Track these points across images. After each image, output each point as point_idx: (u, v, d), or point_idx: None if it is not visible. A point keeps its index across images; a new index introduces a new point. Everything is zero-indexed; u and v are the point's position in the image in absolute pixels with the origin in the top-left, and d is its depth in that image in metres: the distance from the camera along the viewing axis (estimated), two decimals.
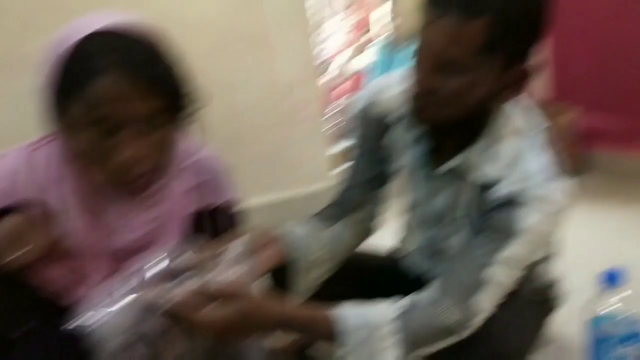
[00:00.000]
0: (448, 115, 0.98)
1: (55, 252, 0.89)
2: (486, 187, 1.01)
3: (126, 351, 0.84)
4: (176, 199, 1.00)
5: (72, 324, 0.79)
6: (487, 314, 0.98)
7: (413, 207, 1.22)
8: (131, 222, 0.95)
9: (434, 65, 0.94)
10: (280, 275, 1.10)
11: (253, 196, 1.16)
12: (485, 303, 0.97)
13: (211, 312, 0.81)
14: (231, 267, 0.87)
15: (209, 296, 0.82)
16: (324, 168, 2.70)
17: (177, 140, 0.93)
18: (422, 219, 1.18)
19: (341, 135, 3.00)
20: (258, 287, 0.96)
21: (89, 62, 0.81)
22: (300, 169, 2.65)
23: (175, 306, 0.80)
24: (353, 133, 1.25)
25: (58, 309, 0.83)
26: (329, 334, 0.89)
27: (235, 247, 0.90)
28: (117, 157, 0.84)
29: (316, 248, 1.14)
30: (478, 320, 0.98)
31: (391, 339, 0.91)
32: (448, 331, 0.95)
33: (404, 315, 0.93)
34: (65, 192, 0.91)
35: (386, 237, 1.37)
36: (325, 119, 2.86)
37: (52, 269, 0.90)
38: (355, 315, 0.91)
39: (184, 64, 0.91)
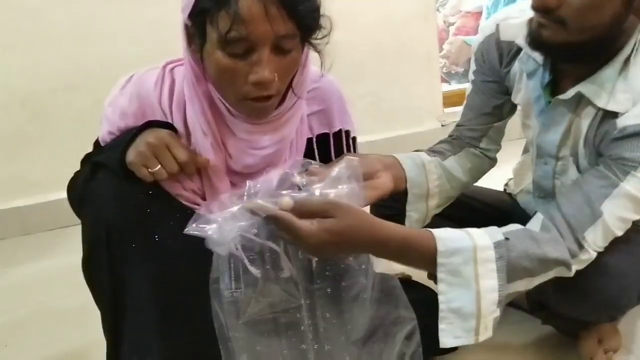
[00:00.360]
0: (569, 38, 0.92)
1: (187, 171, 0.94)
2: (610, 115, 0.96)
3: (237, 259, 0.89)
4: (297, 124, 1.01)
5: (189, 231, 0.84)
6: (598, 251, 0.93)
7: (528, 143, 1.18)
8: (253, 146, 0.98)
9: None
10: (395, 203, 1.10)
11: (360, 134, 1.15)
12: (598, 238, 0.92)
13: (309, 224, 0.80)
14: (339, 186, 0.88)
15: (311, 209, 0.82)
16: (434, 107, 2.64)
17: (304, 66, 0.94)
18: (537, 154, 1.13)
19: (454, 74, 2.92)
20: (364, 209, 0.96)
21: None
22: (410, 107, 2.60)
23: (277, 214, 0.81)
24: (474, 64, 1.23)
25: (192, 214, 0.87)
26: (429, 254, 0.85)
27: (347, 169, 0.90)
28: (251, 75, 0.86)
29: (432, 178, 1.13)
30: (588, 257, 0.92)
31: (492, 264, 0.86)
32: (553, 263, 0.90)
33: (507, 241, 0.89)
34: (194, 112, 0.95)
35: (500, 175, 1.35)
36: (439, 56, 2.77)
37: (184, 184, 0.95)
38: (457, 237, 0.87)
39: None
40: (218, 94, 0.94)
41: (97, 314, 1.09)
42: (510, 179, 1.36)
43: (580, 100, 1.00)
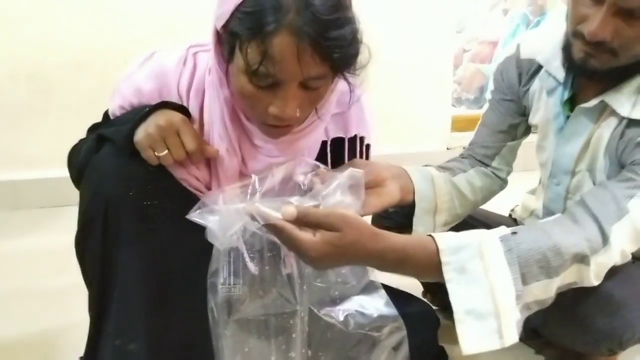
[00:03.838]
0: (616, 64, 0.93)
1: (194, 159, 0.91)
2: (634, 124, 0.97)
3: (236, 254, 0.87)
4: (315, 135, 0.99)
5: (191, 217, 0.82)
6: (623, 256, 0.89)
7: (541, 166, 1.17)
8: (266, 153, 0.95)
9: (613, 13, 0.88)
10: (399, 216, 1.08)
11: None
12: (625, 236, 0.87)
13: (311, 236, 0.78)
14: (343, 195, 0.86)
15: (313, 219, 0.79)
16: (442, 130, 2.64)
17: (331, 91, 0.92)
18: (551, 173, 1.12)
19: (464, 100, 2.92)
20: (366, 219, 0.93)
21: (282, 13, 0.77)
22: (418, 127, 2.60)
23: (279, 224, 0.78)
24: (493, 83, 1.23)
25: (196, 201, 0.85)
26: (432, 256, 0.80)
27: (350, 178, 0.88)
28: (271, 109, 0.84)
29: (441, 193, 1.11)
30: (610, 257, 0.87)
31: (501, 256, 0.80)
32: (568, 257, 0.84)
33: (515, 235, 0.84)
34: (213, 113, 0.92)
35: (510, 198, 1.33)
36: (454, 80, 2.77)
37: (189, 170, 0.92)
38: (459, 235, 0.83)
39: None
40: (239, 105, 0.91)
41: (80, 296, 1.06)
42: (517, 205, 1.35)
43: (603, 111, 1.01)
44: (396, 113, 2.52)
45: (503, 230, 0.85)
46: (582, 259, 0.85)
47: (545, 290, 0.83)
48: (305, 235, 0.77)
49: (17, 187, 2.26)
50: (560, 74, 1.06)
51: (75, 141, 1.01)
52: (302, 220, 0.78)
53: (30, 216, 2.21)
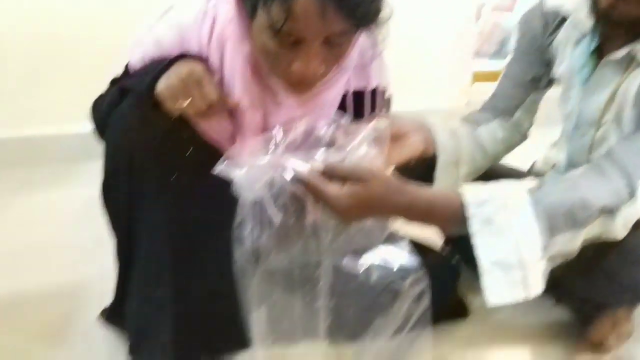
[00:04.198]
0: None
1: (215, 110, 0.90)
2: None
3: (262, 206, 0.88)
4: (336, 89, 0.99)
5: (217, 171, 0.82)
6: None
7: (566, 116, 1.16)
8: (288, 106, 0.95)
9: None
10: (422, 167, 1.07)
11: None
12: None
13: (338, 189, 0.78)
14: (368, 147, 0.86)
15: (339, 172, 0.80)
16: (462, 84, 2.60)
17: (353, 44, 0.91)
18: (575, 125, 1.11)
19: (484, 53, 2.87)
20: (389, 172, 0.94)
21: None
22: (437, 81, 2.56)
23: (305, 175, 0.79)
24: (517, 34, 1.21)
25: (219, 153, 0.85)
26: (457, 209, 0.81)
27: (375, 131, 0.88)
28: (294, 66, 0.83)
29: (464, 145, 1.10)
30: (637, 211, 0.87)
31: (527, 209, 0.80)
32: (595, 209, 0.83)
33: (542, 187, 0.83)
34: (234, 66, 0.91)
35: (529, 152, 1.33)
36: (474, 32, 2.72)
37: (212, 122, 0.92)
38: (485, 188, 0.83)
39: None
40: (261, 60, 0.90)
41: (103, 248, 1.08)
42: (537, 159, 1.34)
43: (631, 62, 0.99)
44: (415, 67, 2.48)
45: (530, 182, 0.85)
46: (609, 211, 0.85)
47: (570, 243, 0.83)
48: (333, 188, 0.78)
49: (37, 143, 2.27)
50: (587, 24, 1.04)
51: (92, 96, 1.01)
52: (329, 173, 0.79)
53: (50, 171, 2.23)
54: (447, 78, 2.57)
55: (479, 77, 2.66)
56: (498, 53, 3.18)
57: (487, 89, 1.28)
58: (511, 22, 3.09)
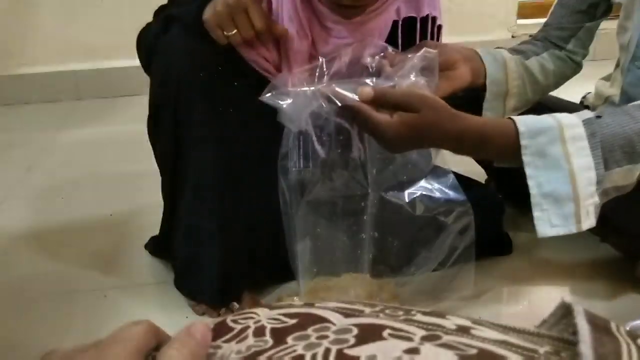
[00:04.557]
0: None
1: (263, 38, 0.88)
2: None
3: (307, 138, 0.87)
4: (387, 16, 0.95)
5: (264, 99, 0.81)
6: None
7: (622, 48, 1.10)
8: (335, 35, 0.92)
9: None
10: (470, 98, 1.04)
11: None
12: None
13: (388, 117, 0.76)
14: (416, 76, 0.83)
15: (390, 99, 0.77)
16: (507, 17, 2.51)
17: None
18: (633, 56, 1.05)
19: None
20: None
21: None
22: (481, 14, 2.47)
23: (354, 103, 0.77)
24: None
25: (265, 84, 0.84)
26: (510, 139, 0.77)
27: (423, 60, 0.85)
28: None
29: (513, 77, 1.06)
30: None
31: (583, 141, 0.77)
32: None
33: (599, 119, 0.79)
34: None
35: (580, 86, 1.28)
36: None
37: (259, 50, 0.91)
38: (539, 119, 0.79)
39: None
40: None
41: (149, 181, 1.10)
42: (589, 92, 1.29)
43: None
44: (459, 1, 2.40)
45: (586, 113, 0.81)
46: None
47: (626, 176, 0.80)
48: (382, 117, 0.76)
49: (79, 77, 2.30)
50: None
51: (133, 30, 1.00)
52: (379, 101, 0.77)
53: (93, 106, 2.26)
54: (491, 10, 2.47)
55: (526, 8, 2.55)
56: None
57: (534, 23, 1.23)
58: None
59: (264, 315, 0.29)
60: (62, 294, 1.09)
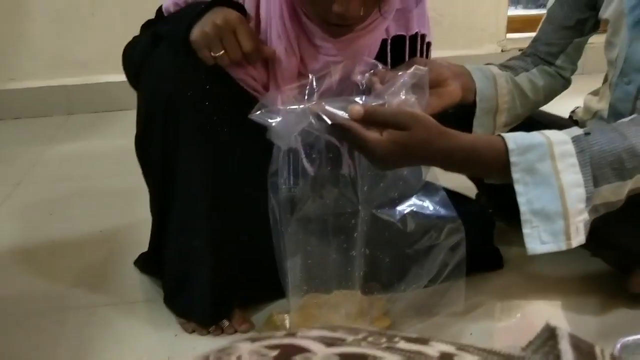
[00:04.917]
0: None
1: (251, 58, 0.88)
2: None
3: (297, 155, 0.87)
4: (376, 34, 0.96)
5: (253, 117, 0.81)
6: None
7: (610, 63, 1.11)
8: (324, 52, 0.93)
9: None
10: (460, 115, 1.05)
11: None
12: None
13: (378, 135, 0.76)
14: (407, 94, 0.83)
15: (380, 117, 0.77)
16: (497, 31, 2.53)
17: None
18: (621, 72, 1.06)
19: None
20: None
21: None
22: (472, 28, 2.49)
23: (344, 121, 0.77)
24: None
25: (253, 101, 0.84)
26: (500, 156, 0.77)
27: (413, 77, 0.85)
28: (334, 7, 0.80)
29: (502, 93, 1.07)
30: None
31: (572, 158, 0.77)
32: None
33: (588, 135, 0.79)
34: (272, 10, 0.89)
35: (568, 100, 1.29)
36: None
37: (247, 70, 0.91)
38: (528, 135, 0.80)
39: None
40: (299, 2, 0.88)
41: (138, 197, 1.09)
42: (578, 107, 1.30)
43: None
44: (449, 13, 2.42)
45: (575, 130, 0.81)
46: None
47: (616, 193, 0.81)
48: (373, 135, 0.76)
49: (70, 92, 2.29)
50: None
51: (124, 45, 1.00)
52: (369, 119, 0.76)
53: (83, 121, 2.26)
54: (481, 24, 2.49)
55: (516, 23, 2.58)
56: (534, 0, 3.07)
57: (524, 37, 1.24)
58: None
59: (245, 350, 0.29)
60: (51, 312, 1.08)
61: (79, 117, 2.30)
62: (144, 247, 1.13)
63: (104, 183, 1.66)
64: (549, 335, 0.32)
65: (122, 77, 0.98)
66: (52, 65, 2.26)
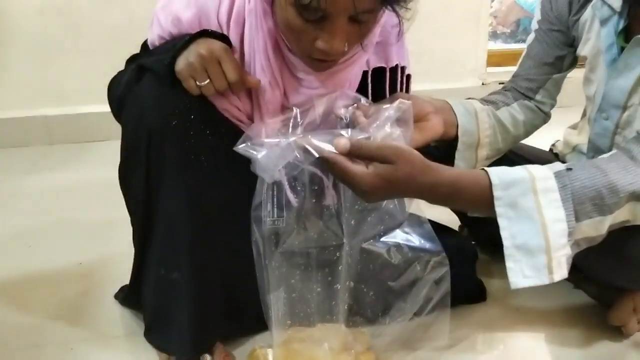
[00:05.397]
0: None
1: (235, 89, 0.89)
2: None
3: (281, 188, 0.87)
4: (357, 67, 0.97)
5: (239, 149, 0.81)
6: None
7: (589, 99, 1.13)
8: (306, 85, 0.93)
9: None
10: (442, 149, 1.06)
11: None
12: None
13: (364, 168, 0.77)
14: (391, 128, 0.84)
15: (365, 151, 0.78)
16: (477, 65, 2.57)
17: (377, 23, 0.88)
18: (599, 107, 1.08)
19: (500, 34, 2.83)
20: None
21: None
22: (452, 62, 2.54)
23: (329, 154, 0.77)
24: (539, 13, 1.18)
25: (238, 132, 0.84)
26: (483, 190, 0.79)
27: (397, 111, 0.86)
28: (318, 43, 0.81)
29: (484, 127, 1.08)
30: None
31: (555, 193, 0.79)
32: (624, 195, 0.81)
33: (569, 171, 0.81)
34: (256, 44, 0.89)
35: (548, 133, 1.31)
36: (490, 13, 2.68)
37: (231, 100, 0.91)
38: (512, 170, 0.81)
39: None
40: (282, 36, 0.88)
41: (118, 228, 1.07)
42: (558, 140, 1.32)
43: None
44: (430, 47, 2.46)
45: (557, 166, 0.83)
46: (637, 197, 0.83)
47: (596, 228, 0.82)
48: (358, 168, 0.77)
49: (50, 123, 2.27)
50: (617, 2, 1.01)
51: (108, 76, 1.00)
52: (355, 153, 0.77)
53: (64, 151, 2.24)
54: (461, 58, 2.54)
55: (495, 57, 2.63)
56: (515, 34, 3.14)
57: (503, 71, 1.26)
58: (527, 2, 3.04)
59: None
60: (26, 348, 1.05)
61: (59, 148, 2.27)
62: (124, 280, 1.11)
63: (84, 215, 1.63)
64: None
65: (102, 107, 0.97)
66: (33, 95, 2.25)
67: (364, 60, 0.97)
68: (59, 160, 2.15)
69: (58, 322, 1.13)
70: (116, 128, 0.94)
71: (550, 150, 1.33)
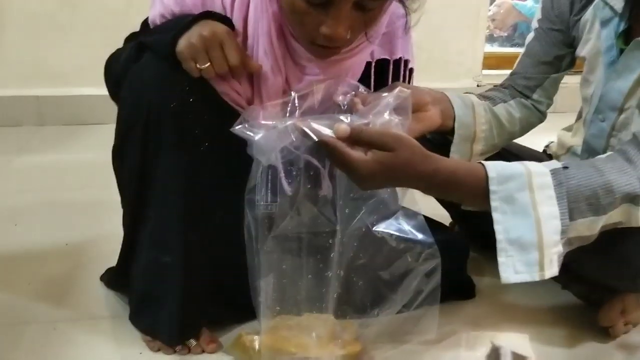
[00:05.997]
0: None
1: (236, 73, 0.88)
2: None
3: (276, 172, 0.86)
4: (361, 57, 0.96)
5: (236, 131, 0.80)
6: None
7: (585, 100, 1.14)
8: (307, 72, 0.93)
9: None
10: (438, 141, 1.06)
11: None
12: None
13: (362, 155, 0.76)
14: (390, 115, 0.84)
15: (365, 137, 0.77)
16: (473, 66, 2.58)
17: (384, 12, 0.88)
18: (596, 109, 1.08)
19: (496, 37, 2.84)
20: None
21: None
22: (448, 62, 2.54)
23: (329, 139, 0.77)
24: (540, 12, 1.19)
25: (236, 116, 0.83)
26: (480, 183, 0.79)
27: (397, 99, 0.85)
28: (322, 28, 0.80)
29: (480, 122, 1.08)
30: None
31: (550, 190, 0.79)
32: (619, 195, 0.81)
33: (566, 169, 0.81)
34: (260, 28, 0.88)
35: (542, 135, 1.31)
36: (487, 14, 2.69)
37: (232, 84, 0.89)
38: (509, 165, 0.81)
39: None
40: (286, 21, 0.87)
41: (109, 209, 1.06)
42: (552, 141, 1.33)
43: None
44: (427, 48, 2.46)
45: (554, 163, 0.83)
46: (632, 199, 0.83)
47: (590, 227, 0.82)
48: (357, 154, 0.76)
49: (42, 103, 2.25)
50: (619, 4, 1.01)
51: (102, 58, 0.98)
52: (355, 139, 0.77)
53: (54, 133, 2.21)
54: (458, 59, 2.55)
55: (492, 59, 2.64)
56: (511, 37, 3.15)
57: (499, 73, 1.27)
58: (526, 5, 3.04)
59: None
60: (9, 326, 1.04)
61: (50, 129, 2.25)
62: (110, 262, 1.10)
63: (72, 196, 1.62)
64: (495, 355, 0.32)
65: (96, 90, 0.96)
66: (26, 74, 2.23)
67: (368, 51, 0.96)
68: (49, 141, 2.13)
69: (42, 301, 1.11)
70: (110, 112, 0.92)
71: (544, 151, 1.33)
